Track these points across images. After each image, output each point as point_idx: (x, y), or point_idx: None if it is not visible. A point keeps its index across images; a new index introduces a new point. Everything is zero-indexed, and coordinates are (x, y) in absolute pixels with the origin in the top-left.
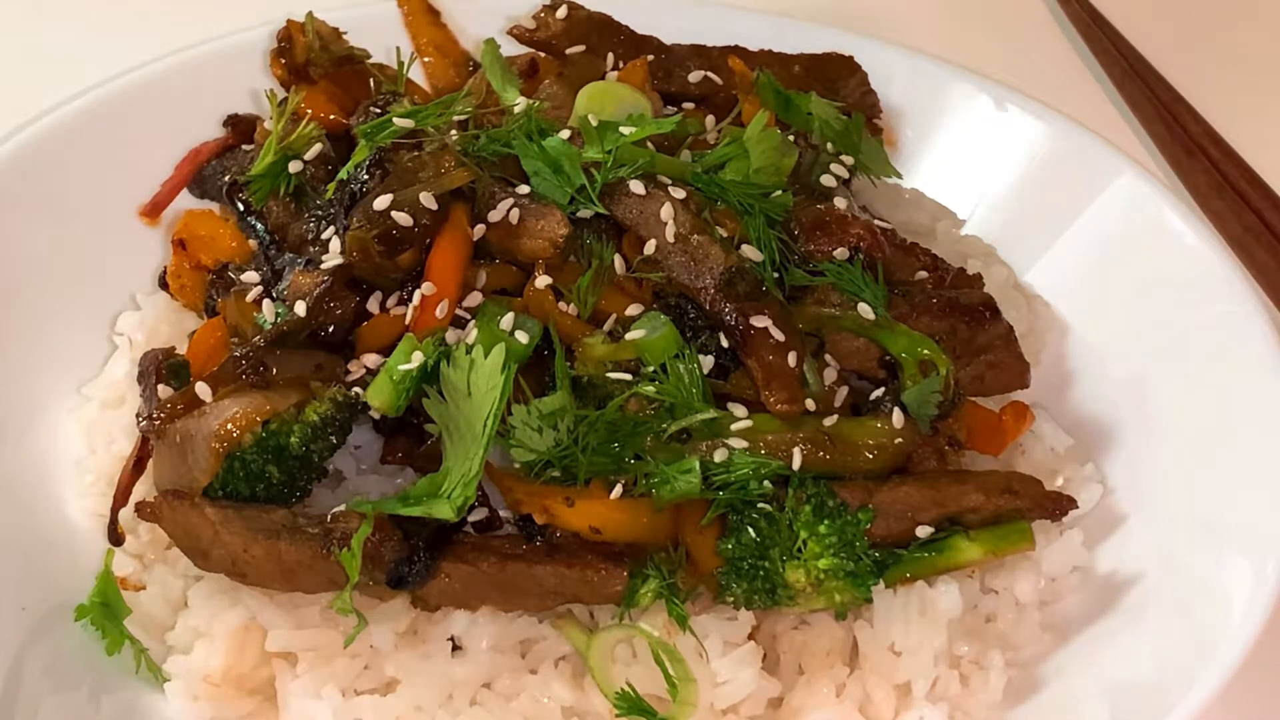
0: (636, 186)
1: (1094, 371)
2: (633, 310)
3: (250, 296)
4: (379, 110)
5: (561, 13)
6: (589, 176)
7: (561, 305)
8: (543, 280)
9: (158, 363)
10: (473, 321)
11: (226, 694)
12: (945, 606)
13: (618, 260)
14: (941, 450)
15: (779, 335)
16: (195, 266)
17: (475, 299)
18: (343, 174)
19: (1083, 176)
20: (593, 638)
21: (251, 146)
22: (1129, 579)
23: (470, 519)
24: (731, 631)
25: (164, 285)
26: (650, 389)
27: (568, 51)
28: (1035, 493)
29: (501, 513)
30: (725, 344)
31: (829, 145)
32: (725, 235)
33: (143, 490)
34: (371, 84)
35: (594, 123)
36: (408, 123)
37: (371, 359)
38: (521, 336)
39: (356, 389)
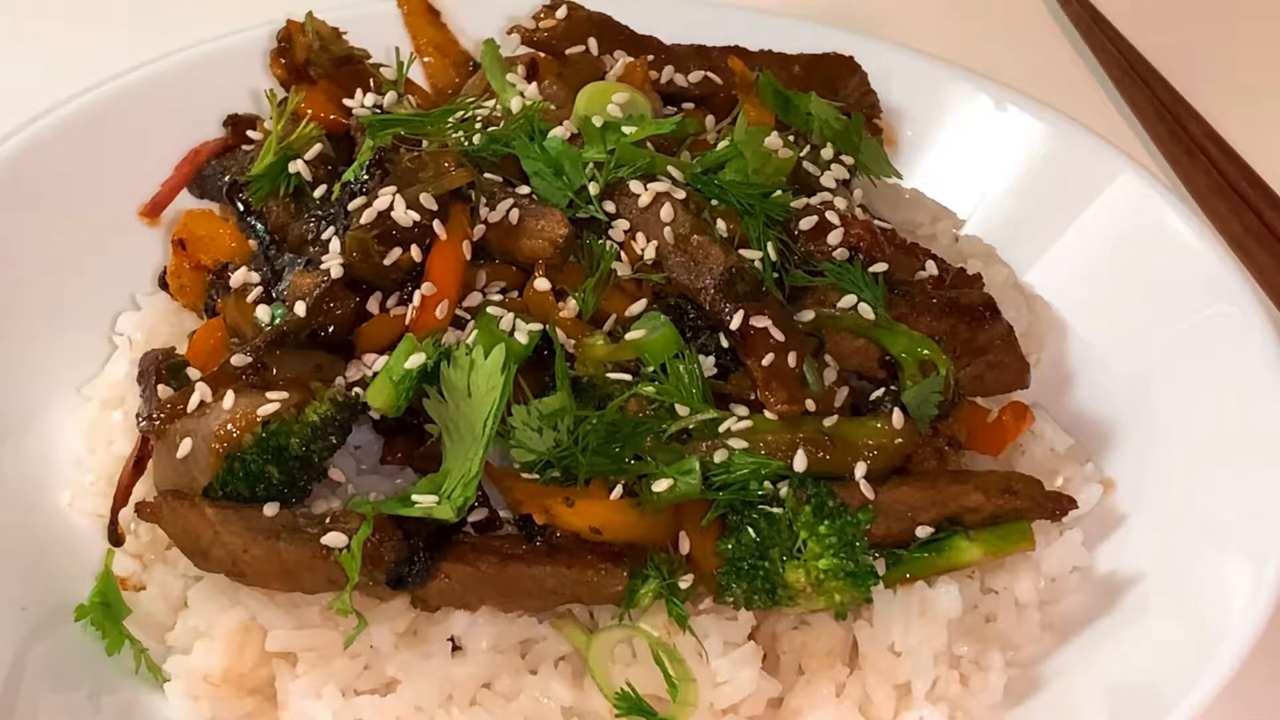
0: (636, 186)
1: (1094, 371)
2: (633, 310)
3: (250, 297)
4: (376, 108)
5: (561, 13)
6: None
7: (561, 305)
8: (542, 281)
9: (158, 363)
10: (472, 321)
11: (226, 694)
12: (945, 606)
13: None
14: (941, 450)
15: (779, 335)
16: (195, 266)
17: (475, 299)
18: (348, 175)
19: (1083, 176)
20: (593, 638)
21: (251, 146)
22: (1129, 579)
23: (470, 519)
24: (731, 631)
25: (164, 285)
26: (650, 389)
27: (568, 51)
28: (1035, 493)
29: (501, 513)
30: (725, 344)
31: (829, 145)
32: (725, 235)
33: (143, 490)
34: (371, 84)
35: (596, 123)
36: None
37: (371, 359)
38: (521, 336)
39: (356, 389)
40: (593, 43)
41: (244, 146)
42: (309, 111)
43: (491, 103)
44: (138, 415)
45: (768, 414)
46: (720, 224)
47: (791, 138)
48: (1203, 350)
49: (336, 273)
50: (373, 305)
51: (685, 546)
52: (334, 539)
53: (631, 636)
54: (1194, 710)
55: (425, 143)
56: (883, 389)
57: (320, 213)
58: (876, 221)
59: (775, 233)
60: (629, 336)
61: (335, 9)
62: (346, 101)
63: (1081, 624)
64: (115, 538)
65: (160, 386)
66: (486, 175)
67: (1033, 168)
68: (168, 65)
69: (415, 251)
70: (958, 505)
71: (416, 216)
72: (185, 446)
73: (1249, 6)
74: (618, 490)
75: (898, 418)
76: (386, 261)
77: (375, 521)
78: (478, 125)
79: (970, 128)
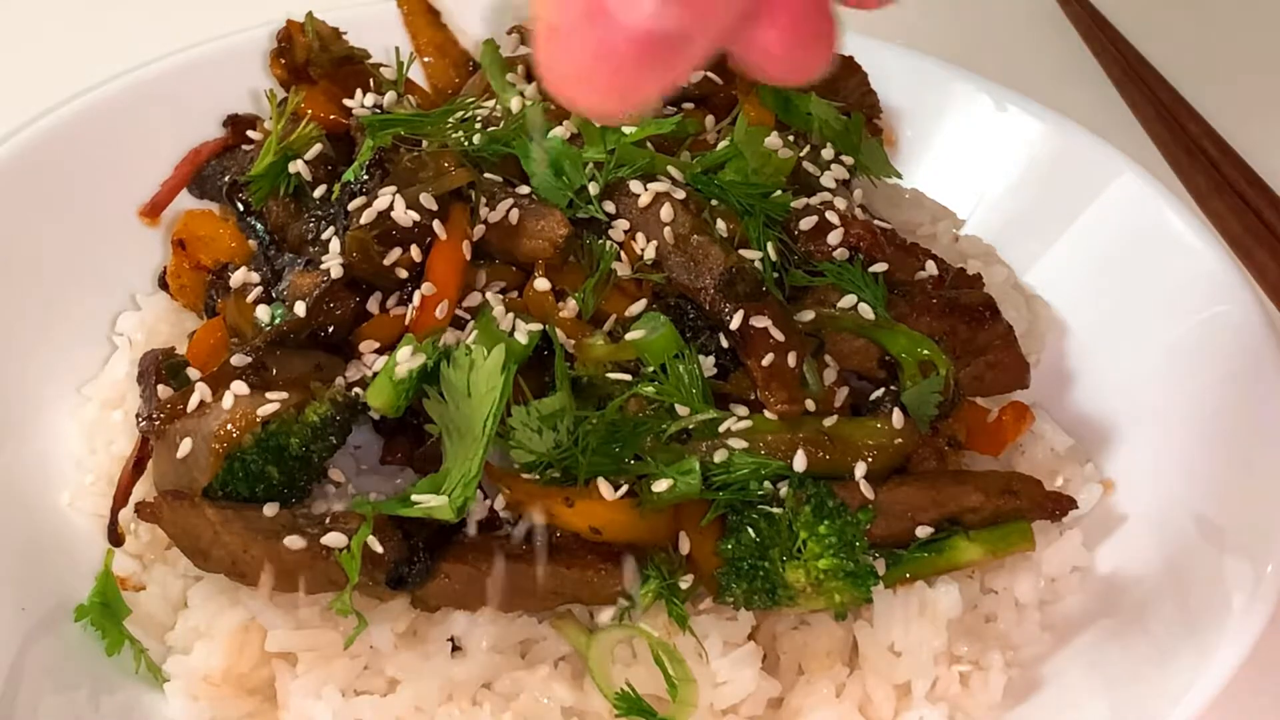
0: (636, 186)
1: (1094, 371)
2: (633, 310)
3: (250, 297)
4: (376, 108)
5: None
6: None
7: (561, 305)
8: (542, 281)
9: (157, 363)
10: (473, 321)
11: (226, 694)
12: (945, 606)
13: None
14: (941, 450)
15: (779, 335)
16: (195, 266)
17: (475, 299)
18: (348, 175)
19: (1083, 176)
20: (593, 638)
21: (251, 147)
22: (1129, 579)
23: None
24: (731, 631)
25: (164, 285)
26: (650, 389)
27: None
28: (1035, 493)
29: (501, 513)
30: (725, 344)
31: (829, 145)
32: (725, 235)
33: (143, 490)
34: (371, 84)
35: (597, 123)
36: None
37: (372, 359)
38: (521, 336)
39: (356, 389)
40: None
41: (244, 146)
42: (309, 111)
43: (491, 103)
44: (138, 415)
45: (768, 414)
46: (720, 224)
47: (791, 138)
48: (1203, 350)
49: (336, 273)
50: (373, 305)
51: (685, 546)
52: (334, 539)
53: (631, 636)
54: (1194, 711)
55: (425, 143)
56: (883, 389)
57: (320, 213)
58: (876, 221)
59: (775, 233)
60: (629, 336)
61: (335, 9)
62: (346, 101)
63: (1081, 624)
64: (115, 538)
65: (160, 386)
66: (486, 175)
67: (1033, 168)
68: (168, 65)
69: (415, 251)
70: (958, 505)
71: (416, 216)
72: (185, 446)
73: (1249, 7)
74: (617, 489)
75: (898, 418)
76: (386, 261)
77: (375, 521)
78: (478, 125)
79: (970, 128)
